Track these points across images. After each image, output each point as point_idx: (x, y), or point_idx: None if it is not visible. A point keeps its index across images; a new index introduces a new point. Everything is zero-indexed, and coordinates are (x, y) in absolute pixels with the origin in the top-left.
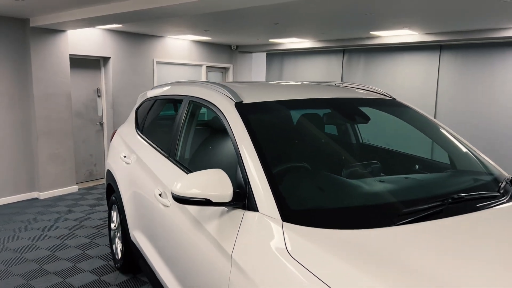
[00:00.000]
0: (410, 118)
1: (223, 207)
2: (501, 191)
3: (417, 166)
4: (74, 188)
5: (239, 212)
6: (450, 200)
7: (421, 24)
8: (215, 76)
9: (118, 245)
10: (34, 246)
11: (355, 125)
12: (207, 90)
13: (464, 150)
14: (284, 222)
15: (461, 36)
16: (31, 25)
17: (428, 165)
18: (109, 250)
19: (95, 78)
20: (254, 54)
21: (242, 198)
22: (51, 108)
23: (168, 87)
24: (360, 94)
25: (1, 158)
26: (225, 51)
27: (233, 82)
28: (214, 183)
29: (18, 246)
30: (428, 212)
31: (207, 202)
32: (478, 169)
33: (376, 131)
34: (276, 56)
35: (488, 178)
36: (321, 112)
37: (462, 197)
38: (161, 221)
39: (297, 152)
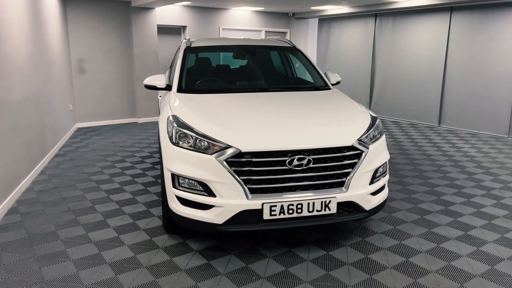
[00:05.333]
0: (299, 57)
1: (165, 91)
2: (302, 89)
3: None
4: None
5: (169, 92)
6: (258, 89)
7: None
8: None
9: None
10: (133, 139)
11: (292, 65)
12: (184, 41)
13: (318, 75)
14: (177, 92)
15: None
16: (132, 5)
17: (301, 82)
18: None
19: (176, 42)
20: (310, 20)
21: (170, 87)
22: (145, 62)
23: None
24: (274, 43)
25: (115, 94)
26: (282, 18)
27: (202, 38)
28: (159, 79)
29: (121, 139)
30: (242, 88)
31: (154, 87)
32: (317, 84)
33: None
34: (326, 21)
35: (310, 86)
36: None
37: (267, 88)
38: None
39: (206, 70)
